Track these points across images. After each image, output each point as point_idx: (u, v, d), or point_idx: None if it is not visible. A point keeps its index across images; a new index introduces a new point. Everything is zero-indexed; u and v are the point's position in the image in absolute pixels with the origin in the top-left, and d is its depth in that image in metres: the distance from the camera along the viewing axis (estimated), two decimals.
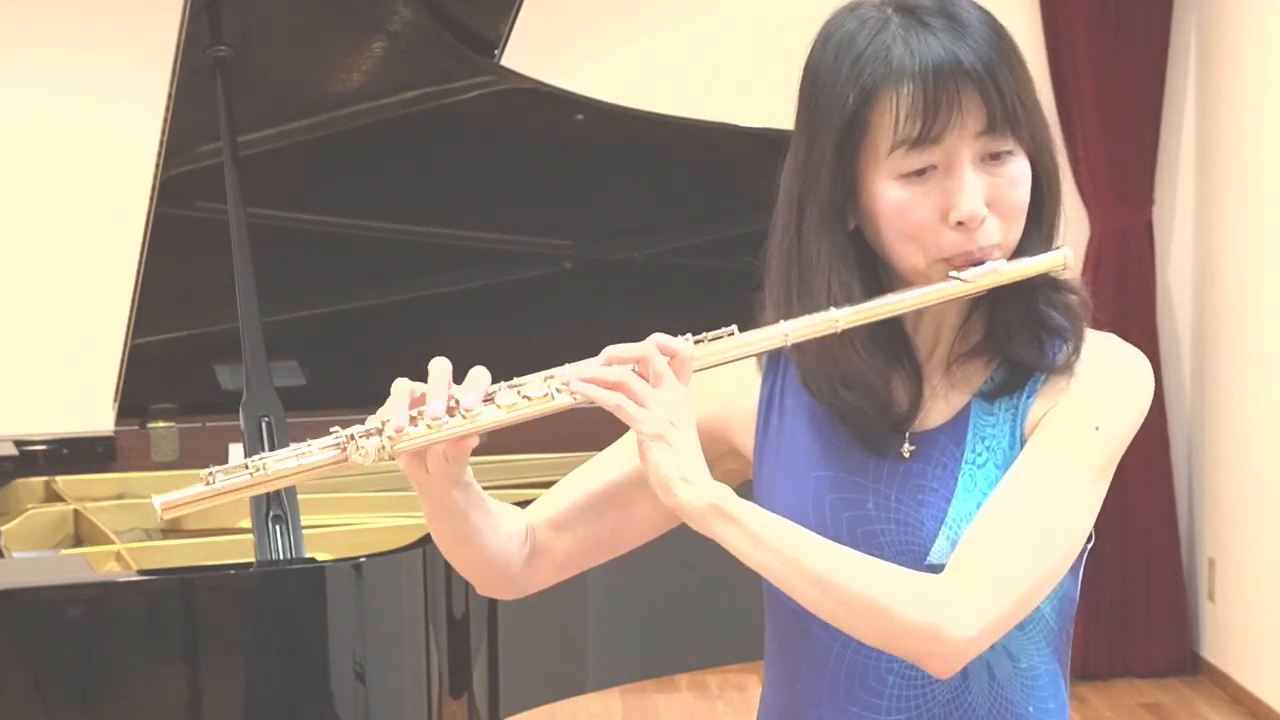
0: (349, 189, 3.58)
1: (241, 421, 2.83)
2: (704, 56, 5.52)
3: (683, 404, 1.50)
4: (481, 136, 3.55)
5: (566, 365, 1.52)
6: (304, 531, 2.76)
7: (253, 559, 2.75)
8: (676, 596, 3.11)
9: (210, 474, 1.48)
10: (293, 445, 1.50)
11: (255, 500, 2.77)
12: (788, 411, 1.66)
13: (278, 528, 2.72)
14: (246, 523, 2.88)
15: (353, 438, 1.48)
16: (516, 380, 1.51)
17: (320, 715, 2.62)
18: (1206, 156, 5.60)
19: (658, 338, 1.53)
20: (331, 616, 2.61)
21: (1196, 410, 5.69)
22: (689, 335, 1.55)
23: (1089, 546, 1.62)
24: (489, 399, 1.50)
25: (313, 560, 2.67)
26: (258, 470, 1.48)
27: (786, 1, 5.56)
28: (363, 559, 2.63)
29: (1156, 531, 5.63)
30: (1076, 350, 1.59)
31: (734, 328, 1.56)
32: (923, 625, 1.48)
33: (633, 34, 5.63)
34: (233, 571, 2.63)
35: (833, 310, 1.54)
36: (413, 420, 1.49)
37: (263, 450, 2.76)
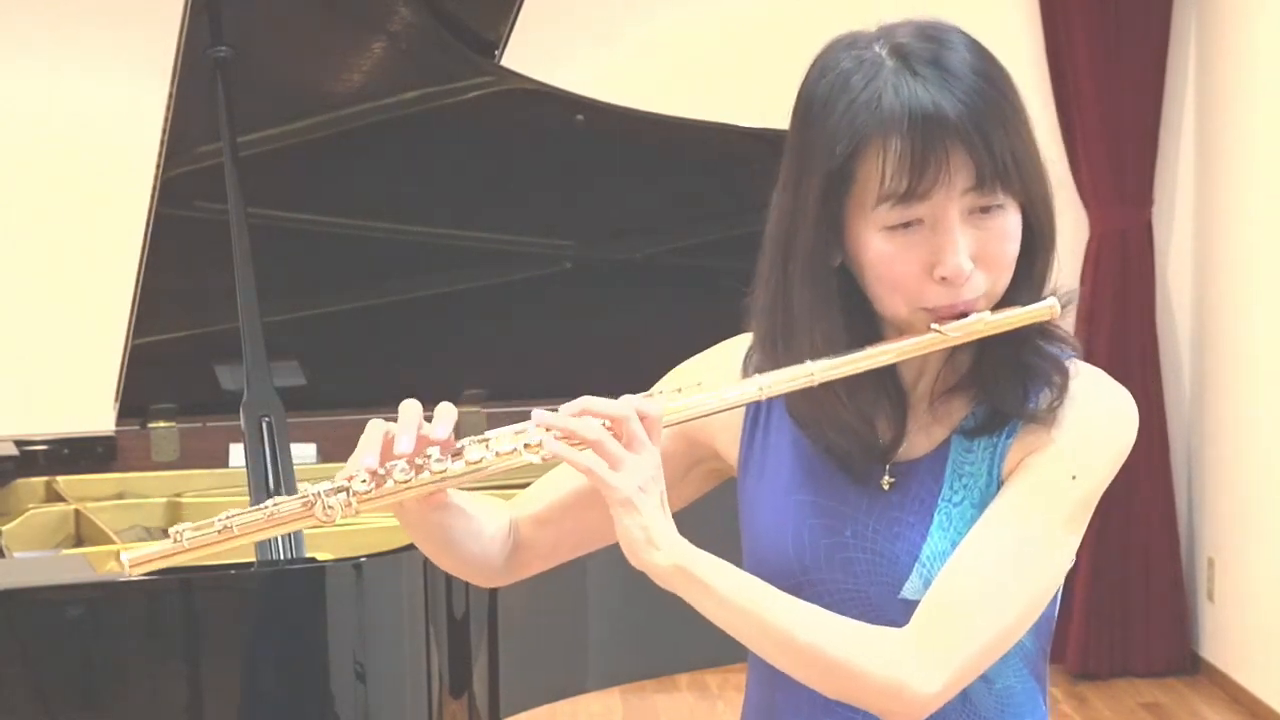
0: (349, 189, 3.58)
1: (242, 421, 2.83)
2: (704, 57, 5.52)
3: (653, 467, 1.50)
4: (481, 136, 3.55)
5: (536, 413, 1.51)
6: (304, 531, 2.76)
7: (253, 559, 2.75)
8: (677, 596, 3.11)
9: (179, 532, 1.50)
10: (263, 503, 1.51)
11: (255, 500, 2.77)
12: (773, 429, 1.66)
13: None
14: None
15: (319, 496, 1.49)
16: (487, 434, 1.51)
17: (320, 715, 2.62)
18: (1206, 156, 5.60)
19: (632, 400, 1.52)
20: (332, 616, 2.61)
21: (1196, 410, 5.69)
22: (662, 392, 1.55)
23: (1068, 567, 1.61)
24: (457, 454, 1.50)
25: (313, 560, 2.67)
26: (226, 529, 1.50)
27: (786, 2, 5.57)
28: (363, 559, 2.63)
29: (1156, 531, 5.63)
30: (1060, 399, 1.56)
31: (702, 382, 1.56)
32: (887, 683, 1.49)
33: (633, 34, 5.63)
34: (233, 571, 2.63)
35: (809, 364, 1.53)
36: (379, 479, 1.49)
37: (262, 450, 2.79)
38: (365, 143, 3.49)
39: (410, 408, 1.52)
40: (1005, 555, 1.52)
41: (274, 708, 2.60)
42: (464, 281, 3.73)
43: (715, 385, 1.65)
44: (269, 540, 2.71)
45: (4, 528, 3.25)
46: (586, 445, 1.49)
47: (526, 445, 1.50)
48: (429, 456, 1.50)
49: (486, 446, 1.50)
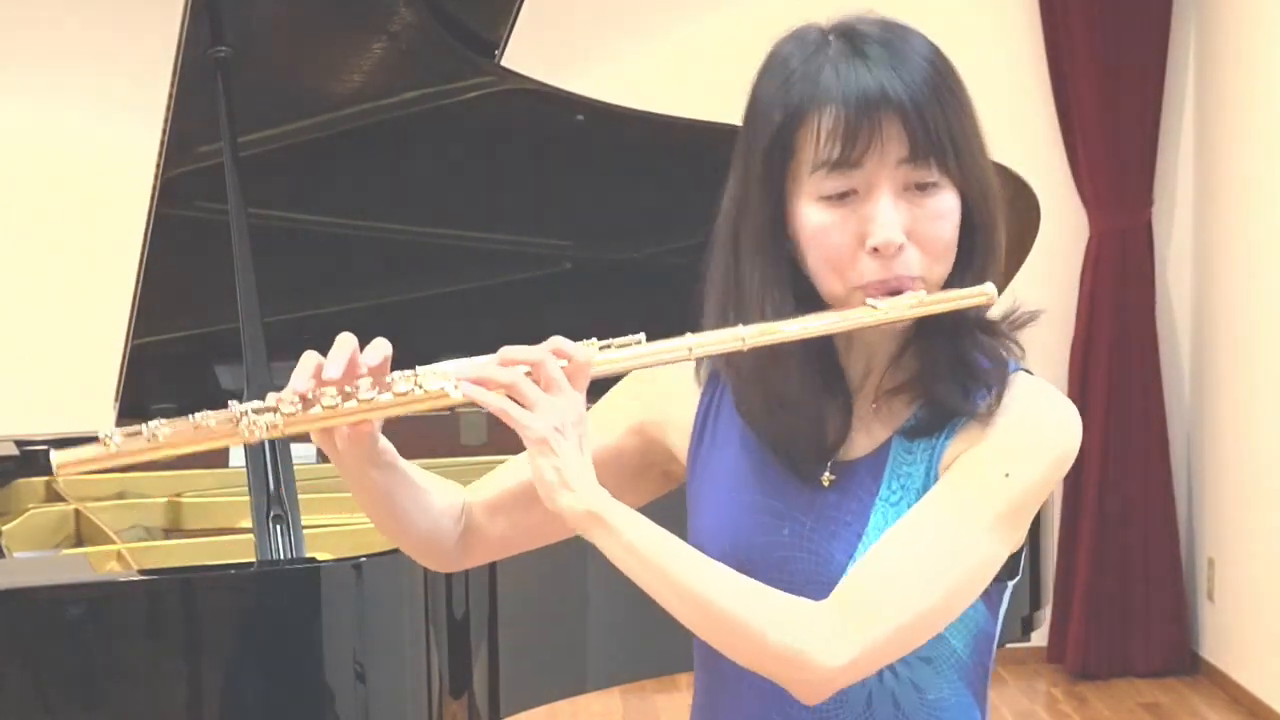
0: (349, 189, 3.58)
1: None
2: (704, 57, 5.52)
3: (571, 409, 1.50)
4: (481, 136, 3.55)
5: (465, 360, 1.52)
6: (304, 531, 2.76)
7: (253, 559, 2.75)
8: None
9: (108, 436, 1.47)
10: (191, 415, 1.50)
11: (255, 500, 2.77)
12: (720, 431, 1.66)
13: (278, 528, 2.72)
14: (247, 523, 2.88)
15: (246, 413, 1.49)
16: (417, 370, 1.52)
17: (320, 715, 2.62)
18: (1206, 156, 5.60)
19: (556, 341, 1.52)
20: (332, 616, 2.61)
21: (1196, 410, 5.70)
22: (594, 340, 1.54)
23: (1010, 584, 1.61)
24: (386, 387, 1.50)
25: (313, 560, 2.67)
26: (153, 437, 1.48)
27: (787, 3, 5.57)
28: (363, 559, 2.63)
29: (1156, 531, 5.63)
30: (998, 398, 1.55)
31: (641, 336, 1.55)
32: (789, 651, 1.47)
33: (633, 34, 5.63)
34: (233, 571, 2.63)
35: (740, 328, 1.53)
36: (307, 403, 1.49)
37: (262, 452, 2.79)
38: (365, 143, 3.49)
39: (344, 338, 1.52)
40: (928, 541, 1.51)
41: (274, 708, 2.60)
42: (464, 281, 3.73)
43: (671, 386, 1.68)
44: (269, 540, 2.72)
45: (4, 528, 3.25)
46: (504, 389, 1.49)
47: (454, 385, 1.50)
48: (358, 387, 1.50)
49: (415, 382, 1.51)
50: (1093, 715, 5.35)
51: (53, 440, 3.67)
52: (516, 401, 1.50)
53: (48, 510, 3.39)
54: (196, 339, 3.60)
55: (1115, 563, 5.60)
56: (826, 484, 1.60)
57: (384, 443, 1.57)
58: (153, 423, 1.49)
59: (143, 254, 3.34)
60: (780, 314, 1.54)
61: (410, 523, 1.64)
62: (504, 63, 3.48)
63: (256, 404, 1.49)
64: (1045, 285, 5.60)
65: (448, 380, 1.51)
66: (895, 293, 1.52)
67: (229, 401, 1.51)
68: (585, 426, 1.51)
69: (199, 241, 3.37)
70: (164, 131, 3.21)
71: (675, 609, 1.51)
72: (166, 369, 3.59)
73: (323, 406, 1.50)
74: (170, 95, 3.17)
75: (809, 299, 1.57)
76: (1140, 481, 5.60)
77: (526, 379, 1.50)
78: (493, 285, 3.73)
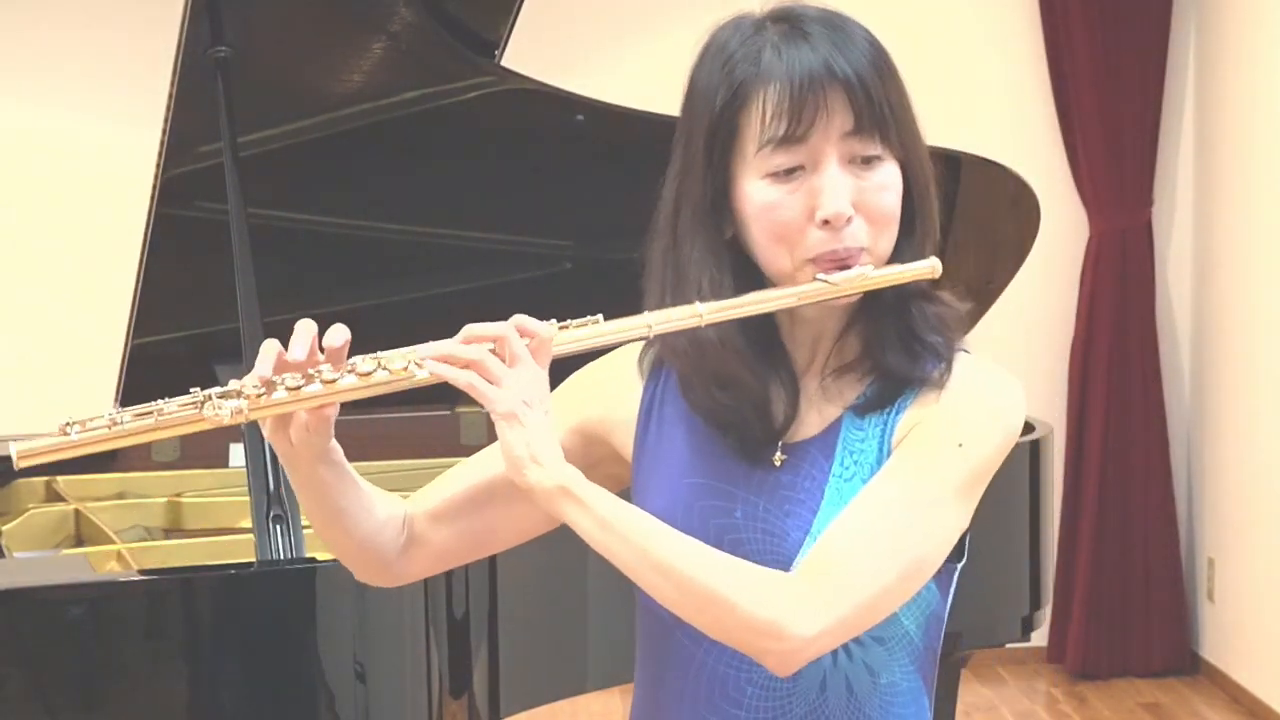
0: (349, 189, 3.58)
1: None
2: None
3: (537, 384, 1.51)
4: (481, 136, 3.55)
5: (428, 343, 1.52)
6: (305, 531, 2.76)
7: (253, 559, 2.75)
8: None
9: (68, 425, 1.46)
10: (152, 402, 1.49)
11: (255, 500, 2.77)
12: (666, 419, 1.67)
13: (278, 527, 2.72)
14: (247, 523, 2.88)
15: (210, 398, 1.48)
16: (379, 353, 1.51)
17: (320, 715, 2.62)
18: (1206, 157, 5.60)
19: (518, 319, 1.53)
20: (332, 616, 2.61)
21: (1196, 410, 5.70)
22: (553, 320, 1.55)
23: (958, 566, 1.63)
24: (350, 370, 1.50)
25: (313, 560, 2.67)
26: (115, 424, 1.47)
27: (786, 3, 5.56)
28: None
29: (1156, 531, 5.63)
30: (948, 366, 1.58)
31: (599, 316, 1.56)
32: (761, 620, 1.48)
33: (633, 34, 5.63)
34: (233, 571, 2.63)
35: (698, 304, 1.55)
36: (271, 386, 1.49)
37: (263, 450, 2.79)
38: (365, 143, 3.49)
39: (304, 324, 1.52)
40: (892, 511, 1.53)
41: (274, 708, 2.60)
42: (464, 281, 3.73)
43: (610, 384, 1.69)
44: (269, 540, 2.72)
45: (4, 528, 3.25)
46: (469, 366, 1.50)
47: (417, 364, 1.50)
48: (320, 370, 1.50)
49: (378, 364, 1.50)
50: (1093, 715, 5.35)
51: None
52: (483, 378, 1.50)
53: (48, 510, 3.39)
54: (196, 339, 3.60)
55: (1115, 563, 5.60)
56: (778, 464, 1.61)
57: (334, 441, 1.57)
58: (112, 410, 1.48)
59: (143, 254, 3.34)
60: (719, 292, 1.56)
61: (354, 525, 1.62)
62: (504, 63, 3.48)
63: (219, 389, 1.49)
64: (1045, 285, 5.61)
65: (412, 359, 1.51)
66: (844, 266, 1.55)
67: (190, 388, 1.50)
68: (549, 403, 1.52)
69: (199, 241, 3.37)
70: (164, 131, 3.21)
71: (648, 583, 1.51)
72: (166, 369, 3.59)
73: (287, 389, 1.49)
74: (170, 95, 3.17)
75: (747, 278, 1.59)
76: (1140, 481, 5.60)
77: (491, 355, 1.50)
78: (493, 285, 3.73)
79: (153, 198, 3.28)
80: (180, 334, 3.60)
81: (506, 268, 3.73)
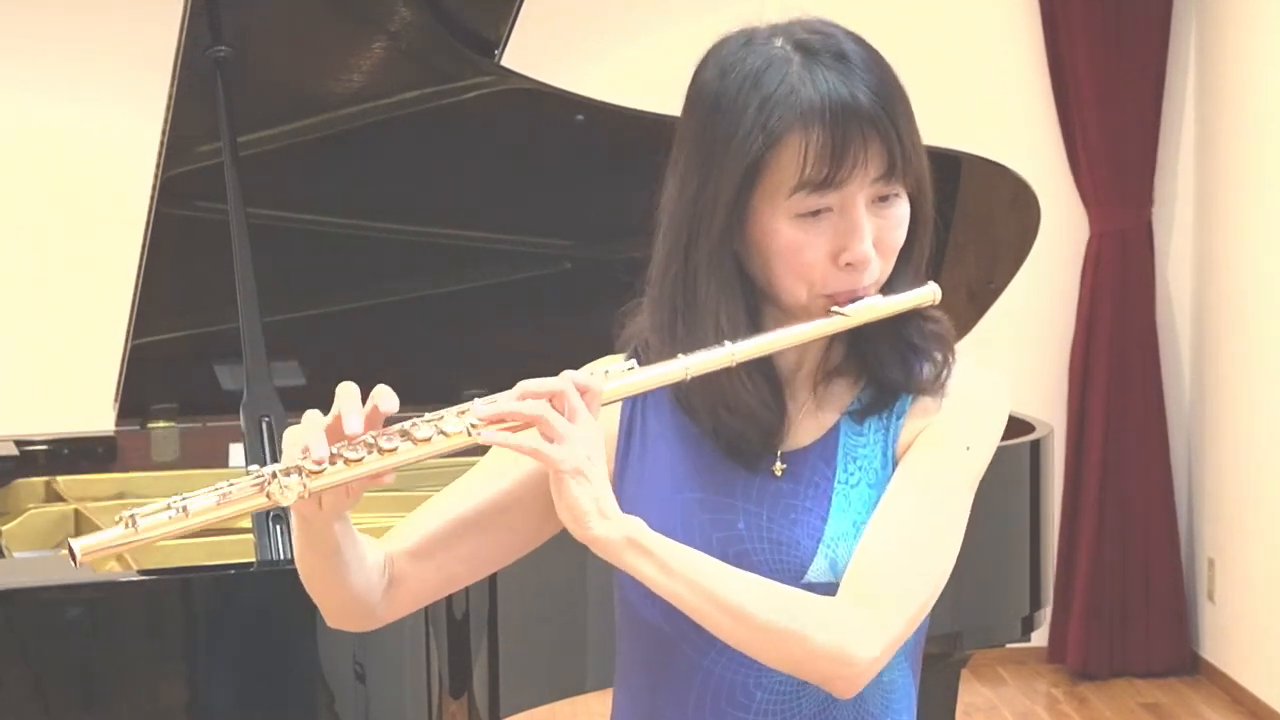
0: (349, 189, 3.58)
1: (242, 421, 2.83)
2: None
3: (596, 438, 1.51)
4: (481, 136, 3.54)
5: (478, 400, 1.51)
6: None
7: (253, 559, 2.75)
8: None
9: (130, 516, 1.43)
10: (215, 485, 1.47)
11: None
12: (649, 435, 1.67)
13: (278, 528, 2.72)
14: (246, 523, 2.88)
15: (275, 476, 1.46)
16: (431, 415, 1.50)
17: (320, 715, 2.62)
18: (1206, 157, 5.60)
19: (571, 374, 1.53)
20: None
21: (1196, 410, 5.70)
22: (602, 370, 1.55)
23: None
24: (405, 435, 1.48)
25: None
26: (180, 513, 1.44)
27: (786, 4, 5.57)
28: None
29: (1156, 531, 5.63)
30: (948, 370, 1.62)
31: (634, 363, 1.57)
32: (832, 649, 1.51)
33: (633, 34, 5.63)
34: (233, 571, 2.63)
35: (729, 345, 1.55)
36: (332, 458, 1.47)
37: (262, 452, 2.79)
38: (365, 143, 3.49)
39: (348, 389, 1.50)
40: (922, 522, 1.57)
41: (274, 708, 2.60)
42: (464, 281, 3.72)
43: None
44: (269, 540, 2.72)
45: (4, 528, 3.25)
46: (530, 423, 1.49)
47: (473, 426, 1.49)
48: (377, 439, 1.48)
49: (435, 428, 1.49)
50: (1093, 715, 5.35)
51: (53, 440, 3.68)
52: (545, 436, 1.49)
53: (48, 510, 3.39)
54: (196, 339, 3.60)
55: (1115, 563, 5.60)
56: (779, 473, 1.62)
57: None
58: (177, 497, 1.45)
59: (143, 254, 3.34)
60: (734, 321, 1.57)
61: (350, 575, 1.60)
62: (504, 63, 3.48)
63: (279, 465, 1.47)
64: (1045, 285, 5.60)
65: (468, 422, 1.49)
66: (857, 298, 1.58)
67: (248, 468, 1.48)
68: (605, 455, 1.52)
69: (199, 241, 3.36)
70: (163, 131, 3.21)
71: (714, 623, 1.52)
72: (166, 369, 3.59)
73: (346, 461, 1.47)
74: (170, 95, 3.16)
75: (752, 301, 1.60)
76: (1140, 481, 5.60)
77: (553, 411, 1.50)
78: (493, 285, 3.73)
79: (153, 197, 3.28)
80: (180, 334, 3.60)
81: (506, 267, 3.73)
